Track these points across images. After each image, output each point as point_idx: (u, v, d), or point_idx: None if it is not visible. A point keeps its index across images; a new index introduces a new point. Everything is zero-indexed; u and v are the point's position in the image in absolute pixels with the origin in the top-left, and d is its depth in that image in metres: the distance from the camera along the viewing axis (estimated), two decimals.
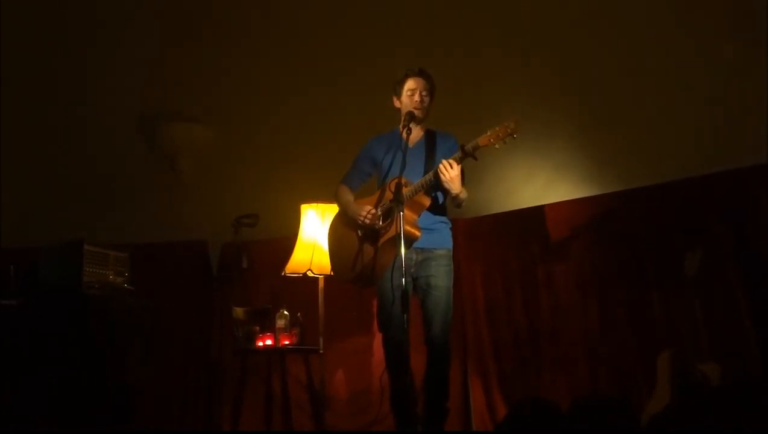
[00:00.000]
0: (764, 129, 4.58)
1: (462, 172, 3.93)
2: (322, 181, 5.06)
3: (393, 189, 3.82)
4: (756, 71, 4.54)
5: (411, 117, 4.07)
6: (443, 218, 4.19)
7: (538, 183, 5.49)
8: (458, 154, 3.88)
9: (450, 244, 4.19)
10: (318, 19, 4.86)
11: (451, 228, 4.22)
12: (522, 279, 5.50)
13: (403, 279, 3.54)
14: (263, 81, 5.20)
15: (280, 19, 4.89)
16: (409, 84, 4.21)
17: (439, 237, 4.17)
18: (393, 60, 4.35)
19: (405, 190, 3.86)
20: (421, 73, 4.20)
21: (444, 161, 3.86)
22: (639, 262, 5.04)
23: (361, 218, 4.11)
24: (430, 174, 3.95)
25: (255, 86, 5.24)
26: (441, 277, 4.09)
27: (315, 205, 5.46)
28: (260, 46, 5.04)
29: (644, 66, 4.80)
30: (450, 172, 3.85)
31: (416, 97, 4.14)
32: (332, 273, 4.50)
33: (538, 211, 5.52)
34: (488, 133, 3.79)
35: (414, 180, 4.00)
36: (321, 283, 5.35)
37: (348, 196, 4.32)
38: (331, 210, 5.26)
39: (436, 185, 3.96)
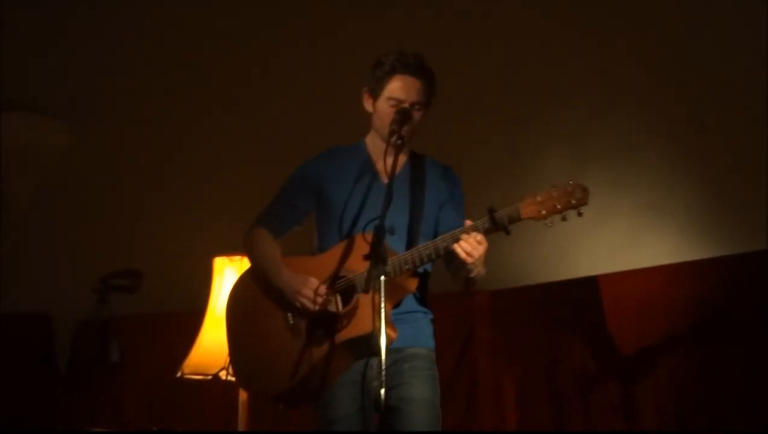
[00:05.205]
0: None
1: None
2: (244, 222, 3.95)
3: (371, 241, 2.95)
4: None
5: (400, 142, 3.17)
6: (420, 307, 3.41)
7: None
8: (485, 223, 3.12)
9: (431, 343, 3.45)
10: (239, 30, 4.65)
11: (433, 321, 3.51)
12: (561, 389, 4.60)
13: (382, 391, 2.73)
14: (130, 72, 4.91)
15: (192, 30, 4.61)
16: (395, 86, 3.22)
17: (415, 333, 3.35)
18: (332, 84, 4.19)
19: (392, 258, 3.09)
20: (418, 71, 3.23)
21: (468, 237, 3.08)
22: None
23: (307, 301, 3.23)
24: (436, 243, 3.17)
25: (123, 77, 4.91)
26: (419, 387, 3.25)
27: (235, 258, 4.50)
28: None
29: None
30: (477, 251, 3.08)
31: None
32: (238, 381, 3.59)
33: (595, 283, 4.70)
34: (538, 199, 3.05)
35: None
36: (243, 394, 4.25)
37: (271, 250, 3.41)
38: None
39: (447, 259, 3.21)
